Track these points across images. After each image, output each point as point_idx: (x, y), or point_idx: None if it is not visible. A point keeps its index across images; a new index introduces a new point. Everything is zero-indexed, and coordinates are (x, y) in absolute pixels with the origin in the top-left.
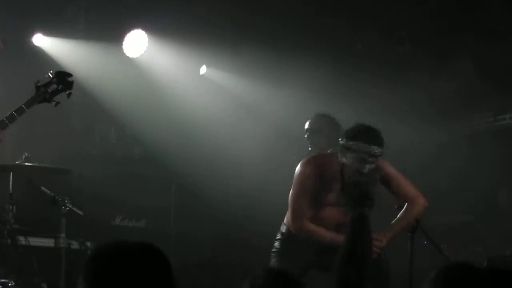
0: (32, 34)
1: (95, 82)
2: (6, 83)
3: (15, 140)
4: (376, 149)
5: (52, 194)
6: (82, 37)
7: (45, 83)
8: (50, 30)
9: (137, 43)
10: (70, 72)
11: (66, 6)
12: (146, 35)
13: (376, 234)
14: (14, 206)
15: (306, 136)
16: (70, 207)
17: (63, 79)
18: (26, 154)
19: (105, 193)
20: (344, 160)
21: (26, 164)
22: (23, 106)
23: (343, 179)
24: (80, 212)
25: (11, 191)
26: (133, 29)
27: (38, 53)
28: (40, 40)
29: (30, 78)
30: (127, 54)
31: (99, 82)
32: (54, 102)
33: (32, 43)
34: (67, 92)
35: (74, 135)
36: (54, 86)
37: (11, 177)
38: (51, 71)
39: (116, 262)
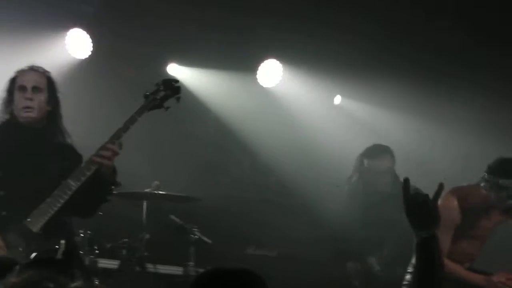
0: (167, 64)
1: (229, 111)
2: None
3: (145, 167)
4: None
5: (181, 222)
6: (216, 67)
7: (153, 91)
8: (185, 60)
9: (271, 72)
10: (205, 102)
11: (200, 36)
12: (280, 64)
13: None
14: (146, 234)
15: None
16: (199, 236)
17: (170, 85)
18: (157, 182)
19: (237, 222)
20: (493, 196)
21: (158, 192)
22: (135, 115)
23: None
24: (209, 241)
25: (143, 219)
26: (268, 59)
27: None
28: (174, 69)
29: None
30: (261, 84)
31: (233, 111)
32: (165, 108)
33: (166, 72)
34: (175, 97)
35: (207, 163)
36: (162, 92)
37: (144, 205)
38: (157, 83)
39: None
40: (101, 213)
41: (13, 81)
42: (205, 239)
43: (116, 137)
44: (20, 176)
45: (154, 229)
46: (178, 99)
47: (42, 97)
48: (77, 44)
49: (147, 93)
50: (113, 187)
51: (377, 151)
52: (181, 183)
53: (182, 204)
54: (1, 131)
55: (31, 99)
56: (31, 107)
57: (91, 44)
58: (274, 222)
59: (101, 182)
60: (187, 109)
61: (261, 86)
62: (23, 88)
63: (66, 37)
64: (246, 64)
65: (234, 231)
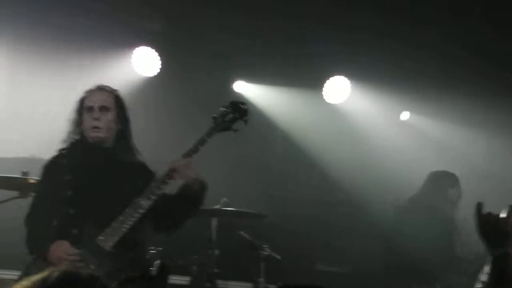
0: (234, 81)
1: (296, 128)
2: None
3: (214, 184)
4: None
5: (250, 239)
6: (283, 84)
7: (221, 113)
8: (251, 77)
9: (338, 89)
10: (272, 118)
11: (267, 52)
12: (348, 80)
13: None
14: (215, 250)
15: None
16: (268, 252)
17: (238, 107)
18: (225, 199)
19: (307, 238)
20: None
21: (227, 209)
22: (205, 136)
23: None
24: (278, 257)
25: (213, 235)
26: (334, 75)
27: (239, 99)
28: (241, 86)
29: None
30: (327, 101)
31: (300, 128)
32: (233, 130)
33: (233, 89)
34: (243, 119)
35: (275, 180)
36: (230, 115)
37: (213, 221)
38: (225, 105)
39: None
40: None
41: (81, 101)
42: (275, 255)
43: (187, 154)
44: (91, 195)
45: (224, 246)
46: (246, 121)
47: (110, 117)
48: (144, 62)
49: (215, 116)
50: (200, 202)
51: (455, 180)
52: (249, 199)
53: (251, 220)
54: (71, 151)
55: (98, 119)
56: (99, 127)
57: (159, 62)
58: (342, 239)
59: (189, 197)
60: (254, 126)
61: (327, 103)
62: (90, 109)
63: (133, 55)
64: (313, 81)
65: (302, 248)
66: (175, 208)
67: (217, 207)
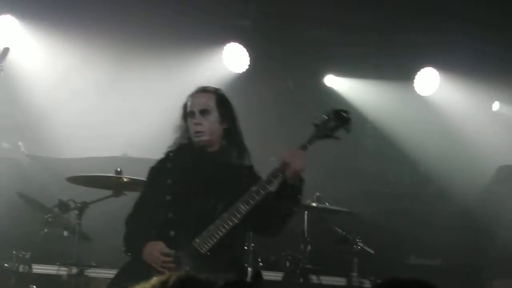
0: (324, 75)
1: (387, 121)
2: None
3: (306, 179)
4: None
5: (343, 233)
6: (373, 76)
7: (323, 121)
8: (342, 70)
9: (428, 81)
10: (363, 112)
11: (357, 46)
12: (437, 72)
13: None
14: (308, 245)
15: None
16: (362, 246)
17: (340, 116)
18: (318, 193)
19: (398, 231)
20: None
21: (319, 205)
22: (306, 143)
23: None
24: (371, 251)
25: (305, 230)
26: (425, 67)
27: (330, 93)
28: (331, 80)
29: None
30: (418, 93)
31: (391, 121)
32: (334, 138)
33: (324, 83)
34: (345, 128)
35: (366, 173)
36: (332, 123)
37: (305, 216)
38: (327, 112)
39: None
40: None
41: (184, 107)
42: (368, 249)
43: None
44: (191, 200)
45: (316, 240)
46: (348, 130)
47: (212, 118)
48: (234, 58)
49: (317, 123)
50: (299, 196)
51: None
52: (341, 194)
53: (344, 215)
54: (177, 155)
55: (200, 124)
56: (201, 131)
57: (248, 58)
58: (435, 231)
59: (290, 194)
60: None
61: (419, 95)
62: (192, 114)
63: (223, 52)
64: (403, 73)
65: (395, 241)
66: (274, 208)
67: (309, 202)
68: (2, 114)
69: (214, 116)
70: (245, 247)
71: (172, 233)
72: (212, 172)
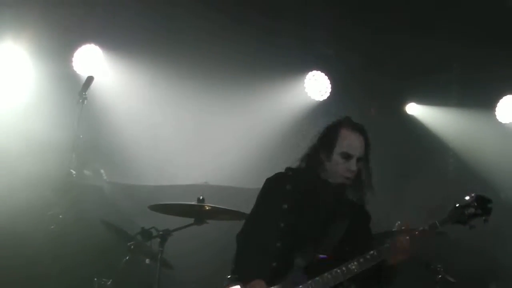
0: (406, 103)
1: (468, 148)
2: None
3: (386, 205)
4: None
5: (426, 260)
6: (455, 104)
7: (464, 204)
8: (423, 98)
9: (510, 108)
10: (445, 139)
11: (439, 75)
12: None
13: None
14: None
15: None
16: (443, 274)
17: (484, 204)
18: (399, 222)
19: (477, 258)
20: None
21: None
22: (437, 223)
23: None
24: (452, 280)
25: None
26: (506, 95)
27: (411, 121)
28: (413, 108)
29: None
30: (499, 120)
31: (472, 149)
32: (470, 226)
33: (405, 111)
34: (484, 218)
35: (447, 200)
36: (472, 209)
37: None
38: (471, 196)
39: None
40: None
41: (335, 137)
42: (449, 278)
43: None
44: (303, 232)
45: None
46: (486, 221)
47: (361, 166)
48: (316, 86)
49: (458, 205)
50: (393, 279)
51: None
52: (421, 220)
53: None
54: (297, 177)
55: (354, 171)
56: (350, 178)
57: (330, 86)
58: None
59: (390, 276)
60: (426, 147)
61: (500, 122)
62: (349, 156)
63: (306, 79)
64: (484, 101)
65: (474, 267)
66: (375, 280)
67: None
68: (85, 142)
69: (361, 163)
70: None
71: (274, 264)
72: (331, 207)
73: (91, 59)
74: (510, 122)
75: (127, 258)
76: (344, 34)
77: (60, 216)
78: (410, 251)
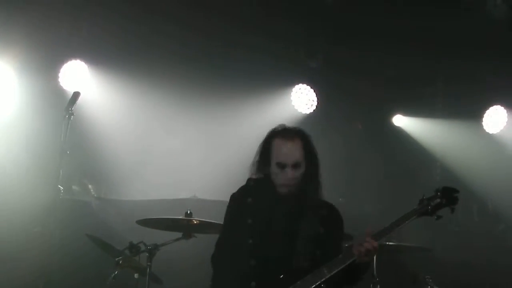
0: (393, 115)
1: (455, 159)
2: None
3: (375, 215)
4: None
5: (414, 272)
6: (440, 116)
7: (429, 196)
8: (409, 110)
9: (496, 119)
10: (431, 150)
11: (424, 87)
12: (505, 110)
13: None
14: (378, 285)
15: None
16: (432, 286)
17: (449, 194)
18: None
19: (467, 270)
20: None
21: (390, 243)
22: (400, 219)
23: None
24: None
25: (373, 268)
26: (492, 105)
27: (398, 132)
28: (400, 120)
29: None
30: (486, 131)
31: (459, 159)
32: (436, 217)
33: (392, 123)
34: (451, 207)
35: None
36: (438, 200)
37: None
38: (436, 189)
39: None
40: None
41: (269, 147)
42: None
43: (379, 236)
44: (271, 246)
45: (386, 279)
46: (452, 210)
47: (301, 170)
48: (302, 99)
49: (423, 198)
50: (362, 276)
51: None
52: (410, 232)
53: (413, 253)
54: (257, 188)
55: (291, 178)
56: (290, 185)
57: (316, 99)
58: (506, 270)
59: (358, 276)
60: (413, 158)
61: (487, 133)
62: (283, 166)
63: (292, 93)
64: (471, 111)
65: (464, 281)
66: (343, 280)
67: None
68: (72, 157)
69: (303, 167)
70: None
71: (254, 284)
72: (290, 213)
73: (77, 75)
74: (497, 132)
75: (115, 273)
76: (331, 48)
77: (47, 232)
78: (370, 251)
